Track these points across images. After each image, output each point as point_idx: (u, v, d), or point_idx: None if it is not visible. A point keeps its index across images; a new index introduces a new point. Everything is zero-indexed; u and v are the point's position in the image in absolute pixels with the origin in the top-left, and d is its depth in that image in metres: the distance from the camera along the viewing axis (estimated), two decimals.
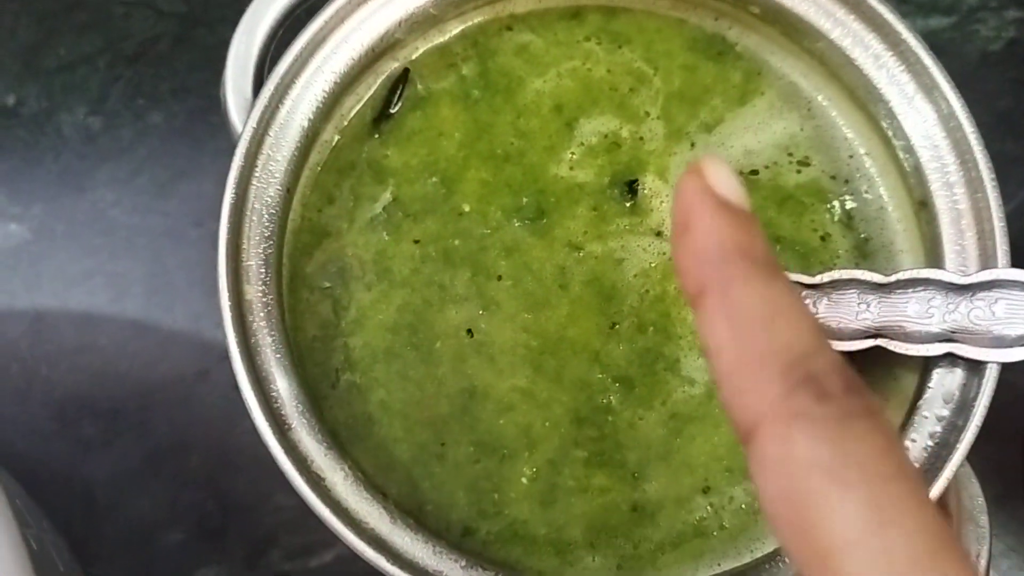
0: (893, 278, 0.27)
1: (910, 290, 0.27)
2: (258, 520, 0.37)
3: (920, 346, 0.27)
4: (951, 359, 0.27)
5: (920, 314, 0.27)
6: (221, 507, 0.37)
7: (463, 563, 0.26)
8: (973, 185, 0.29)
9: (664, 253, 0.31)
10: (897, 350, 0.27)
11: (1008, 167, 0.41)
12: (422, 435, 0.29)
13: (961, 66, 0.42)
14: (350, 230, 0.31)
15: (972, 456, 0.28)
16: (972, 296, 0.26)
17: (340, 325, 0.30)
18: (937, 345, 0.27)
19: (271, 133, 0.30)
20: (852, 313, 0.28)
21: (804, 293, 0.29)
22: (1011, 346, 0.26)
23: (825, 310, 0.28)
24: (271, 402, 0.27)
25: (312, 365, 0.30)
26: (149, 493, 0.37)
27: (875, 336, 0.27)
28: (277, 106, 0.30)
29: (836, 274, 0.28)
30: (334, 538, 0.36)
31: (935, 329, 0.27)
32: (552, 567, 0.28)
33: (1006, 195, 0.41)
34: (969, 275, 0.27)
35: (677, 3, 0.33)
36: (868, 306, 0.27)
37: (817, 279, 0.29)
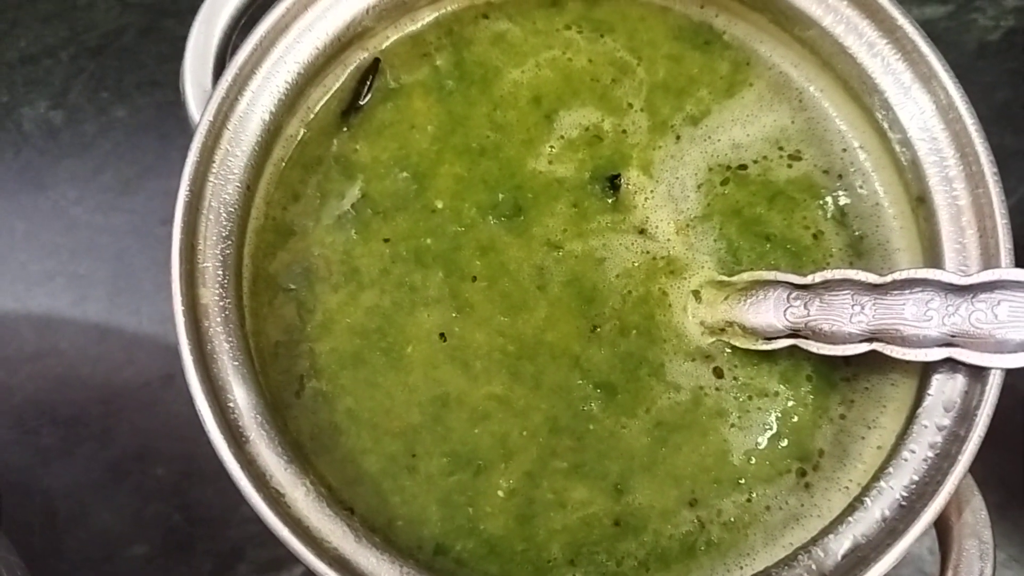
0: (889, 278, 0.26)
1: (907, 291, 0.25)
2: (226, 533, 0.35)
3: (918, 351, 0.26)
4: (951, 364, 0.26)
5: (918, 317, 0.25)
6: (187, 519, 0.35)
7: None
8: (974, 180, 0.27)
9: (648, 252, 0.29)
10: (894, 355, 0.26)
11: (1007, 161, 0.39)
12: (392, 446, 0.28)
13: (958, 57, 0.40)
14: (316, 228, 0.30)
15: (973, 464, 0.26)
16: (973, 298, 0.25)
17: (305, 329, 0.29)
18: (936, 350, 0.25)
19: (229, 127, 0.28)
20: (846, 316, 0.26)
21: (794, 294, 0.27)
22: (1015, 351, 0.25)
23: (817, 312, 0.27)
24: (227, 412, 0.26)
25: (275, 372, 0.28)
26: (112, 505, 0.36)
27: (870, 340, 0.26)
28: (236, 98, 0.28)
29: (829, 274, 0.27)
30: None
31: (934, 333, 0.25)
32: None
33: (1006, 190, 0.39)
34: (970, 275, 0.26)
35: None
36: (863, 308, 0.26)
37: (808, 279, 0.27)
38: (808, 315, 0.27)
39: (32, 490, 0.36)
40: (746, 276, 0.28)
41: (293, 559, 0.35)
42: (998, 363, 0.25)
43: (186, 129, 0.30)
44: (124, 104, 0.39)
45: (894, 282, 0.26)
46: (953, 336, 0.25)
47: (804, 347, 0.27)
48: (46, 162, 0.38)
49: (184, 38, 0.30)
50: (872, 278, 0.26)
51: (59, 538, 0.35)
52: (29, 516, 0.35)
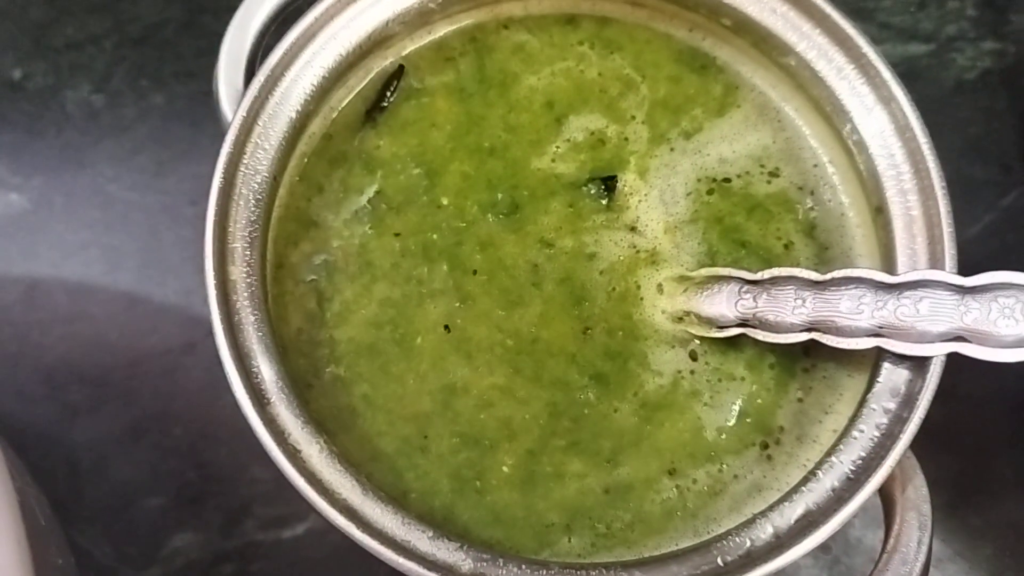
0: (828, 276, 0.29)
1: (843, 287, 0.29)
2: (235, 491, 0.38)
3: (850, 340, 0.28)
4: (898, 356, 0.29)
5: (851, 310, 0.28)
6: (201, 476, 0.38)
7: (430, 533, 0.27)
8: (926, 193, 0.30)
9: (634, 246, 0.32)
10: (829, 343, 0.29)
11: (976, 190, 0.42)
12: (405, 429, 0.30)
13: (937, 92, 0.43)
14: (336, 221, 0.32)
15: (928, 464, 0.29)
16: (899, 294, 0.28)
17: (325, 318, 0.31)
18: (866, 339, 0.28)
19: (259, 123, 0.31)
20: (789, 308, 0.29)
21: (745, 288, 0.30)
22: (933, 341, 0.28)
23: (764, 304, 0.30)
24: (252, 377, 0.28)
25: (296, 357, 0.31)
26: (131, 459, 0.38)
27: (810, 330, 0.29)
28: (267, 97, 0.31)
29: (776, 271, 0.30)
30: (307, 511, 0.38)
31: (864, 324, 0.28)
32: (531, 548, 0.30)
33: (973, 217, 0.42)
34: (897, 275, 0.29)
35: (655, 14, 0.34)
36: (804, 302, 0.29)
37: (758, 276, 0.30)
38: (756, 307, 0.30)
39: (58, 442, 0.38)
40: (704, 272, 0.32)
41: (296, 518, 0.38)
42: (919, 352, 0.28)
43: (217, 120, 0.32)
44: (162, 92, 0.42)
45: (832, 279, 0.29)
46: (881, 328, 0.28)
47: (751, 335, 0.30)
48: (86, 142, 0.41)
49: (220, 34, 0.32)
50: (813, 276, 0.29)
51: (81, 487, 0.38)
52: (54, 465, 0.38)
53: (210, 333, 0.39)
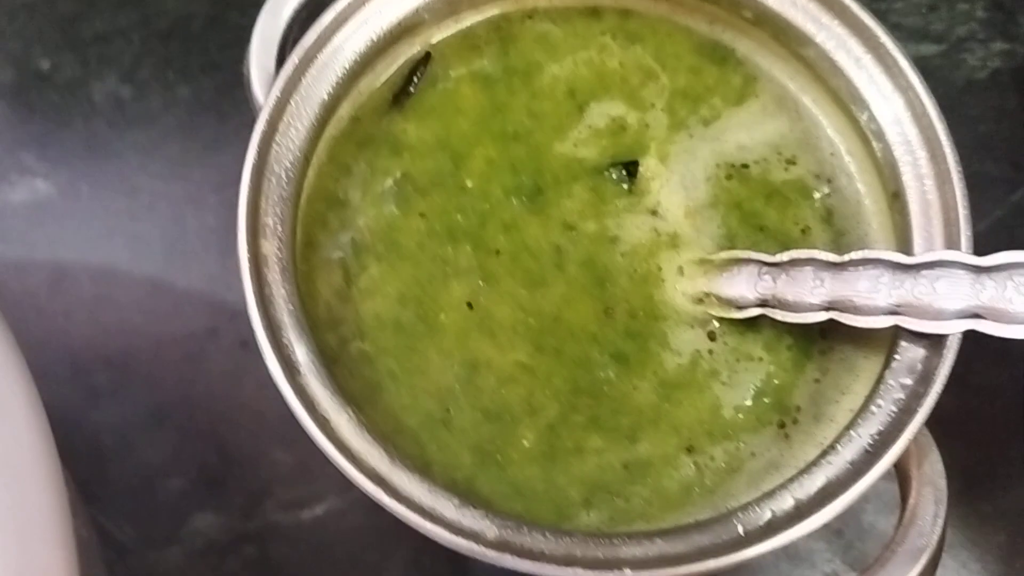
0: (846, 257, 0.30)
1: (861, 268, 0.29)
2: (255, 473, 0.38)
3: (869, 318, 0.29)
4: (915, 334, 0.29)
5: (869, 290, 0.29)
6: (221, 459, 0.38)
7: (456, 502, 0.28)
8: (942, 177, 0.31)
9: (655, 229, 0.33)
10: (847, 322, 0.29)
11: (986, 187, 0.43)
12: (428, 403, 0.31)
13: (947, 91, 0.44)
14: (362, 201, 0.33)
15: (943, 453, 0.30)
16: (917, 274, 0.28)
17: (351, 293, 0.32)
18: (884, 318, 0.29)
19: (293, 102, 0.31)
20: (808, 288, 0.30)
21: (764, 270, 0.31)
22: (949, 319, 0.28)
23: (783, 285, 0.30)
24: (283, 348, 0.29)
25: (325, 332, 0.31)
26: (154, 442, 0.39)
27: (828, 309, 0.30)
28: (299, 78, 0.32)
29: (795, 253, 0.31)
30: (326, 492, 0.39)
31: (882, 303, 0.29)
32: (551, 520, 0.30)
33: (984, 213, 0.43)
34: (914, 255, 0.29)
35: (676, 8, 0.35)
36: (822, 282, 0.30)
37: (777, 258, 0.31)
38: (775, 287, 0.30)
39: (82, 424, 0.39)
40: (723, 255, 0.32)
41: (315, 499, 0.39)
42: (935, 329, 0.28)
43: (242, 109, 0.33)
44: (188, 84, 0.42)
45: (850, 260, 0.29)
46: (898, 306, 0.29)
47: (771, 315, 0.31)
48: (113, 132, 0.42)
49: (245, 28, 0.33)
50: (832, 257, 0.30)
51: (104, 468, 0.38)
52: (77, 446, 0.38)
53: (233, 318, 0.40)
